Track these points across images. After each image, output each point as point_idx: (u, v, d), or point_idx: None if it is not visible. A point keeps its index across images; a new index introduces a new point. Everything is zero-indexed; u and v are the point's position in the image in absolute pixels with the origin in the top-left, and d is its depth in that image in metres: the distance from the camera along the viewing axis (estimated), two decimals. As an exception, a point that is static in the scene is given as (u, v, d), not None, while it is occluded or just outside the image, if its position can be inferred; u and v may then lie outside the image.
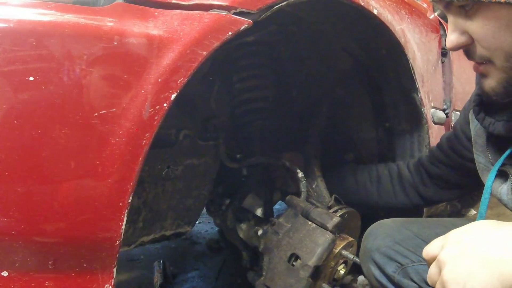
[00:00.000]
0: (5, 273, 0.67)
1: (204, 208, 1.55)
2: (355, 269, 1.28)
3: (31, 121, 0.65)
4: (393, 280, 1.00)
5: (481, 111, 0.84)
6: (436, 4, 0.76)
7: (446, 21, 1.73)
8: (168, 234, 1.33)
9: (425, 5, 1.61)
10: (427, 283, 0.94)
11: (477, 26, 0.69)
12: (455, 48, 0.74)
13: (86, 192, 0.68)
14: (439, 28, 1.63)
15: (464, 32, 0.72)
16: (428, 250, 0.63)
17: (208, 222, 2.35)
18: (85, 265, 0.71)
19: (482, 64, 0.74)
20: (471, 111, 0.90)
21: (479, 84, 0.79)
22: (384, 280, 1.02)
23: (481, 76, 0.76)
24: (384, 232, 1.06)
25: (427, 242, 0.98)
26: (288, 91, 1.50)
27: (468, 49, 0.74)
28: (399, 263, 0.99)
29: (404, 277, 0.98)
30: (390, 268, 1.00)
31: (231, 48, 1.20)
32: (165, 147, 1.18)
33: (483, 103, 0.84)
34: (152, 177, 1.18)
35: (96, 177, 0.68)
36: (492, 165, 0.85)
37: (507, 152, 0.81)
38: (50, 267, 0.69)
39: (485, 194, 0.83)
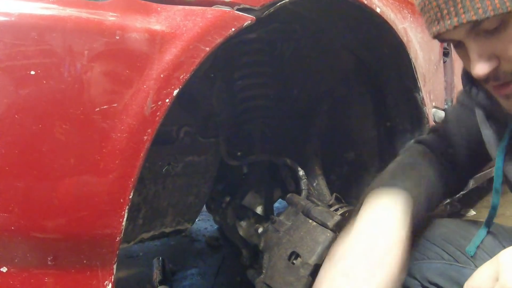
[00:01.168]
0: (4, 269, 0.66)
1: (204, 206, 1.55)
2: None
3: (31, 116, 0.64)
4: (394, 278, 0.99)
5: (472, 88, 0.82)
6: (446, 34, 0.67)
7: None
8: (168, 231, 1.33)
9: (427, 4, 1.60)
10: (429, 281, 0.94)
11: (507, 42, 0.64)
12: (487, 75, 0.66)
13: (86, 188, 0.67)
14: (441, 27, 1.62)
15: (491, 55, 0.66)
16: (477, 284, 0.57)
17: (208, 220, 2.34)
18: (85, 261, 0.70)
19: (506, 85, 0.68)
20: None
21: (505, 107, 0.73)
22: (385, 279, 1.02)
23: (506, 97, 0.71)
24: (385, 231, 1.06)
25: (429, 241, 0.98)
26: (289, 89, 1.49)
27: (495, 72, 0.67)
28: (401, 261, 0.99)
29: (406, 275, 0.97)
30: (391, 267, 1.00)
31: (232, 45, 1.19)
32: (165, 144, 1.18)
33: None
34: (153, 174, 1.18)
35: (97, 173, 0.67)
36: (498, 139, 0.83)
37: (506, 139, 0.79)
38: (49, 263, 0.68)
39: (497, 171, 0.80)
